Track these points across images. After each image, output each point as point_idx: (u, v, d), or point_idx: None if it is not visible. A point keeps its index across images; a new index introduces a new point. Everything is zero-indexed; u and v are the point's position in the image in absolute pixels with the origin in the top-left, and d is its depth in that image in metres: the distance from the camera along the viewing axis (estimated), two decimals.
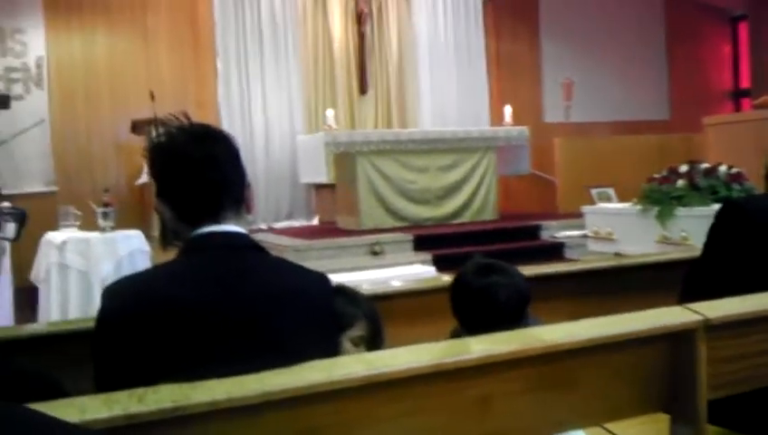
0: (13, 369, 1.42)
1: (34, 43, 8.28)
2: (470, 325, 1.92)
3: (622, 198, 8.16)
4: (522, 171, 9.45)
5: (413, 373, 1.42)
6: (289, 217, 9.45)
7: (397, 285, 3.02)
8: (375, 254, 7.19)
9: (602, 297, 2.85)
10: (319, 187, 9.29)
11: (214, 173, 1.50)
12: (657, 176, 6.43)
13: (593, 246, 7.07)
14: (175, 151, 1.51)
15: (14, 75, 8.15)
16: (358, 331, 1.92)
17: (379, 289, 2.85)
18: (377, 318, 2.02)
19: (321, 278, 1.57)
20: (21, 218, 0.68)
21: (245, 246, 1.53)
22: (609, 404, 1.73)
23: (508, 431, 1.62)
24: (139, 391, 1.31)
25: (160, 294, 1.43)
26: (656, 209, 6.07)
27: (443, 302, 2.68)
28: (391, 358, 1.47)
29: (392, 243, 7.39)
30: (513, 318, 1.87)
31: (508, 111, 9.27)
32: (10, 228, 0.67)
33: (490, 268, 1.97)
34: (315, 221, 9.56)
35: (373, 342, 1.98)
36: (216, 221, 1.50)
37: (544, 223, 8.26)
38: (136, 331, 1.40)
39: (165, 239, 1.56)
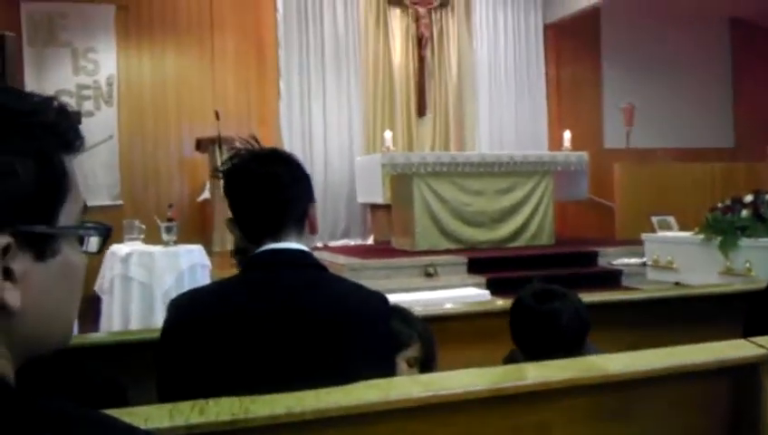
0: (84, 374, 1.49)
1: (106, 61, 8.60)
2: (529, 350, 1.92)
3: (683, 227, 7.96)
4: (579, 197, 9.33)
5: (470, 397, 1.42)
6: (345, 235, 9.53)
7: (450, 307, 3.03)
8: (429, 275, 7.18)
9: (663, 328, 2.80)
10: (375, 206, 9.36)
11: (276, 193, 1.55)
12: (720, 205, 6.27)
13: (652, 274, 6.92)
14: (240, 172, 1.58)
15: (86, 92, 8.48)
16: (412, 352, 1.93)
17: (433, 311, 2.86)
18: (431, 339, 2.03)
19: (380, 298, 1.59)
20: (105, 233, 0.72)
21: (306, 264, 1.56)
22: None
23: None
24: (201, 402, 1.35)
25: (221, 308, 1.47)
26: (718, 239, 5.91)
27: (496, 325, 2.67)
28: (448, 380, 1.48)
29: (446, 265, 7.37)
30: (573, 344, 1.85)
31: (567, 135, 9.18)
32: (93, 242, 0.71)
33: (551, 294, 1.96)
34: (370, 240, 9.62)
35: (427, 363, 1.99)
36: (277, 239, 1.55)
37: (601, 250, 8.12)
38: (198, 343, 1.45)
39: (236, 257, 1.61)
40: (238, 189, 1.58)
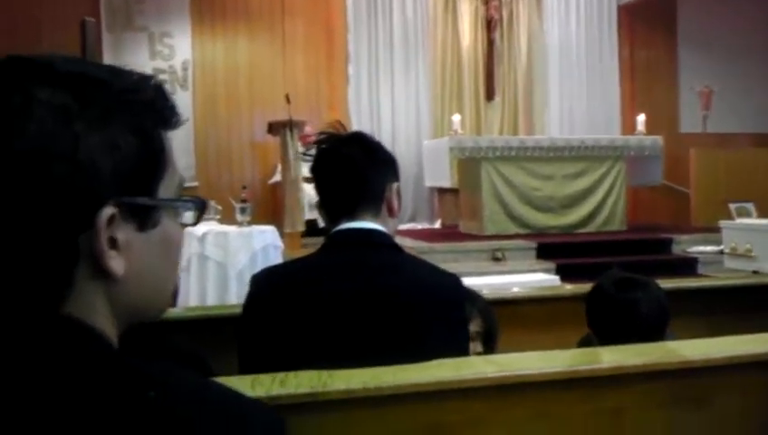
0: (169, 346, 1.56)
1: (181, 46, 8.83)
2: (606, 338, 1.90)
3: (763, 214, 7.67)
4: (653, 182, 9.09)
5: (545, 378, 1.42)
6: (412, 219, 9.56)
7: (520, 291, 3.02)
8: (497, 260, 7.14)
9: (740, 316, 2.73)
10: (442, 190, 9.34)
11: (350, 172, 1.58)
12: None
13: (729, 263, 6.69)
14: (322, 154, 1.61)
15: (162, 77, 8.70)
16: (474, 326, 1.96)
17: (502, 294, 2.86)
18: (492, 316, 2.07)
19: (456, 280, 1.60)
20: (201, 206, 0.76)
21: (381, 244, 1.59)
22: (746, 425, 1.66)
23: None
24: (281, 375, 1.40)
25: (300, 284, 1.52)
26: None
27: (566, 310, 2.66)
28: (522, 361, 1.48)
29: (515, 250, 7.31)
30: (652, 335, 1.83)
31: (641, 119, 8.94)
32: (188, 215, 0.75)
33: (632, 282, 1.94)
34: (437, 224, 9.62)
35: (489, 338, 2.03)
36: (353, 218, 1.58)
37: (676, 237, 7.91)
38: (278, 317, 1.50)
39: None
40: (319, 171, 1.63)
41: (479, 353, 2.00)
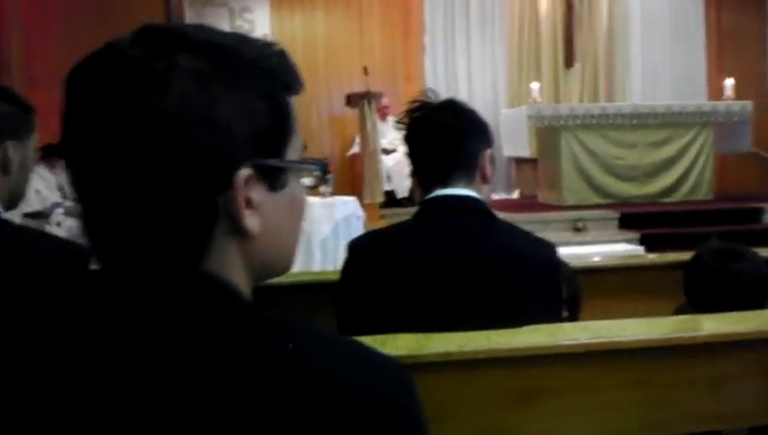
0: (271, 312, 1.63)
1: (260, 21, 8.96)
2: (706, 310, 1.87)
3: None
4: (741, 149, 8.72)
5: (641, 345, 1.42)
6: (490, 189, 9.49)
7: (604, 259, 2.99)
8: (578, 230, 7.04)
9: None
10: (520, 160, 9.23)
11: (442, 139, 1.60)
12: None
13: None
14: (413, 122, 1.64)
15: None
16: None
17: (585, 263, 2.84)
18: (577, 282, 2.06)
19: (550, 247, 1.61)
20: (324, 169, 0.80)
21: (474, 210, 1.60)
22: None
23: (736, 415, 1.56)
24: (380, 337, 1.44)
25: (396, 250, 1.56)
26: None
27: (651, 279, 2.61)
28: (618, 328, 1.48)
29: (596, 220, 7.19)
30: (753, 305, 1.79)
31: (729, 83, 8.57)
32: (310, 178, 0.79)
33: (732, 253, 1.90)
34: (515, 195, 9.52)
35: (572, 304, 2.03)
36: (446, 185, 1.60)
37: (766, 205, 7.60)
38: (374, 282, 1.54)
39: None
40: (412, 139, 1.64)
41: (564, 319, 2.01)
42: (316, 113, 9.09)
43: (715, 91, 9.49)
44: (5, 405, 0.63)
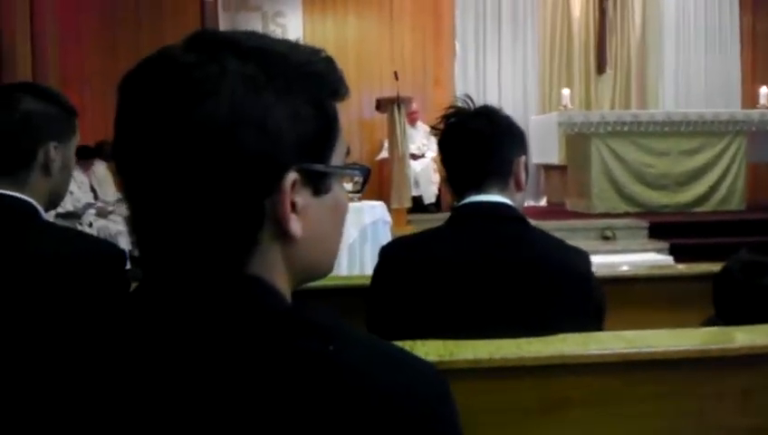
0: (312, 314, 1.64)
1: (293, 25, 9.03)
2: (734, 323, 1.85)
3: None
4: None
5: (675, 356, 1.41)
6: (523, 196, 9.44)
7: (632, 269, 2.96)
8: (606, 238, 6.98)
9: None
10: (548, 167, 9.18)
11: (477, 145, 1.60)
12: None
13: None
14: (449, 128, 1.64)
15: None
16: None
17: (614, 273, 2.81)
18: (601, 291, 2.05)
19: (583, 255, 1.60)
20: (367, 174, 0.81)
21: (507, 217, 1.61)
22: None
23: (767, 427, 1.55)
24: (410, 343, 1.45)
25: (428, 256, 1.56)
26: None
27: (680, 290, 2.58)
28: (652, 338, 1.47)
29: (625, 229, 7.12)
30: None
31: (764, 91, 8.45)
32: (354, 183, 0.80)
33: (761, 267, 1.89)
34: (543, 202, 9.47)
35: (597, 313, 2.01)
36: (480, 191, 1.60)
37: None
38: (406, 287, 1.55)
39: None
40: (446, 145, 1.65)
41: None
42: (346, 117, 8.77)
43: (750, 99, 9.37)
44: (61, 407, 0.65)
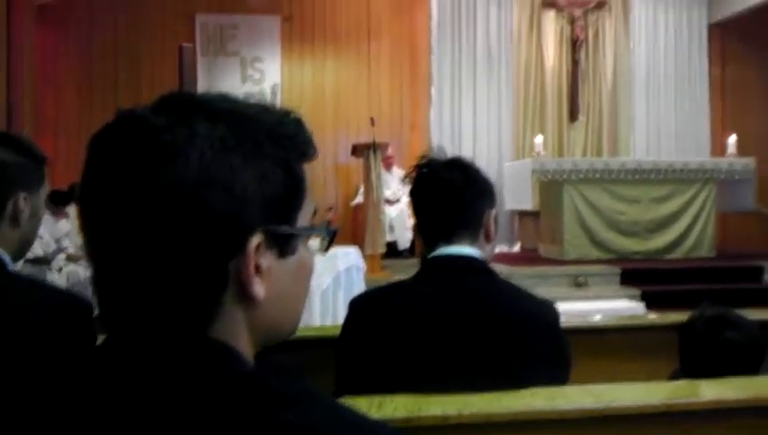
0: (272, 365, 1.62)
1: (271, 70, 9.13)
2: (699, 375, 1.87)
3: None
4: (744, 207, 8.74)
5: (643, 411, 1.42)
6: (492, 248, 9.49)
7: (604, 319, 2.98)
8: (579, 285, 7.02)
9: None
10: (522, 213, 9.26)
11: (449, 197, 1.61)
12: None
13: None
14: (421, 178, 1.66)
15: (251, 101, 9.00)
16: None
17: (585, 323, 2.83)
18: (567, 343, 2.06)
19: (550, 307, 1.61)
20: (333, 235, 0.81)
21: (477, 269, 1.61)
22: None
23: None
24: (379, 398, 1.44)
25: (397, 308, 1.56)
26: None
27: (653, 340, 2.60)
28: (619, 392, 1.48)
29: (598, 275, 7.17)
30: (746, 373, 1.79)
31: (732, 140, 8.64)
32: (315, 244, 0.80)
33: (724, 320, 1.90)
34: (517, 248, 9.52)
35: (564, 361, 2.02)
36: (450, 243, 1.61)
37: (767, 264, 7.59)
38: (375, 340, 1.54)
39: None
40: (418, 194, 1.66)
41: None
42: (322, 162, 9.19)
43: (719, 148, 9.56)
44: None
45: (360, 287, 5.32)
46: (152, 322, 0.66)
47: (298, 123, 0.74)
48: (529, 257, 8.42)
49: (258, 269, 0.68)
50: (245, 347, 0.70)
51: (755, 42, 10.27)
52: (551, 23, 9.92)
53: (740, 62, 10.33)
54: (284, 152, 0.70)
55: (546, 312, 1.60)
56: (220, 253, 0.66)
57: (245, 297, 0.68)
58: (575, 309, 5.32)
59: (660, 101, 10.08)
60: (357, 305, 1.62)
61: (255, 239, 0.67)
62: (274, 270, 0.70)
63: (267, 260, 0.69)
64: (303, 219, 0.74)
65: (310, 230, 0.76)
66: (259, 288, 0.68)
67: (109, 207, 0.66)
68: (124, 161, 0.65)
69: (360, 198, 8.33)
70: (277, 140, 0.70)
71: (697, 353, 1.90)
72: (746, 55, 10.32)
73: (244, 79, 9.05)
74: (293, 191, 0.72)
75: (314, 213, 0.79)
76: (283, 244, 0.71)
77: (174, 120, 0.66)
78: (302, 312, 0.80)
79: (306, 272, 0.77)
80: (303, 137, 0.74)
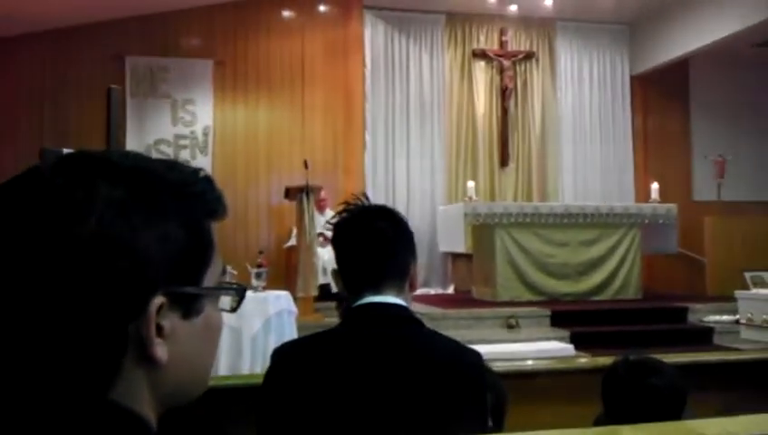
0: (188, 417, 1.57)
1: (203, 113, 9.04)
2: (622, 421, 1.89)
3: None
4: (668, 250, 9.07)
5: None
6: (425, 284, 9.56)
7: (535, 363, 3.01)
8: (511, 327, 7.10)
9: (760, 391, 2.71)
10: (456, 256, 9.36)
11: (378, 247, 1.60)
12: None
13: (746, 333, 6.64)
14: (348, 225, 1.64)
15: (183, 142, 8.92)
16: None
17: (516, 367, 2.85)
18: (502, 391, 2.07)
19: (476, 354, 1.61)
20: (242, 294, 0.79)
21: (405, 319, 1.60)
22: None
23: None
24: None
25: (322, 359, 1.54)
26: None
27: (582, 383, 2.65)
28: None
29: (529, 317, 7.27)
30: (669, 418, 1.82)
31: (655, 187, 8.99)
32: (226, 301, 0.78)
33: (646, 367, 1.94)
34: (450, 290, 9.61)
35: (497, 413, 2.03)
36: (377, 292, 1.59)
37: (691, 305, 7.83)
38: (298, 391, 1.51)
39: (340, 308, 1.67)
40: (344, 241, 1.63)
41: (489, 429, 2.01)
42: (254, 205, 9.10)
43: (643, 193, 9.92)
44: None
45: (291, 331, 5.24)
46: (48, 386, 0.63)
47: (207, 181, 0.72)
48: (462, 299, 8.50)
49: (161, 331, 0.66)
50: (148, 410, 0.68)
51: (674, 93, 10.79)
52: (481, 72, 10.21)
53: (660, 112, 10.81)
54: (190, 211, 0.69)
55: (471, 361, 1.60)
56: (119, 315, 0.63)
57: (147, 360, 0.66)
58: (507, 351, 5.36)
59: (587, 149, 10.44)
60: (280, 354, 1.58)
61: (157, 301, 0.65)
62: (179, 331, 0.68)
63: (170, 321, 0.67)
64: (211, 279, 0.72)
65: (216, 290, 0.73)
66: (161, 351, 0.66)
67: (3, 268, 0.63)
68: (20, 222, 0.63)
69: (292, 241, 8.28)
70: (183, 199, 0.69)
71: (620, 399, 1.93)
72: (666, 106, 10.81)
73: (175, 121, 8.94)
74: (199, 251, 0.70)
75: (223, 272, 0.77)
76: (188, 304, 0.69)
77: (73, 182, 0.64)
78: (210, 372, 0.77)
79: (214, 332, 0.74)
80: (212, 195, 0.72)
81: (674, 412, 1.86)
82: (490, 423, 1.99)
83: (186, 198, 0.69)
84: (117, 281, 0.63)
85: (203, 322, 0.71)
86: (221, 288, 0.74)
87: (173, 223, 0.67)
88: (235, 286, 0.77)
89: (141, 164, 0.69)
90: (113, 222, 0.63)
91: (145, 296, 0.64)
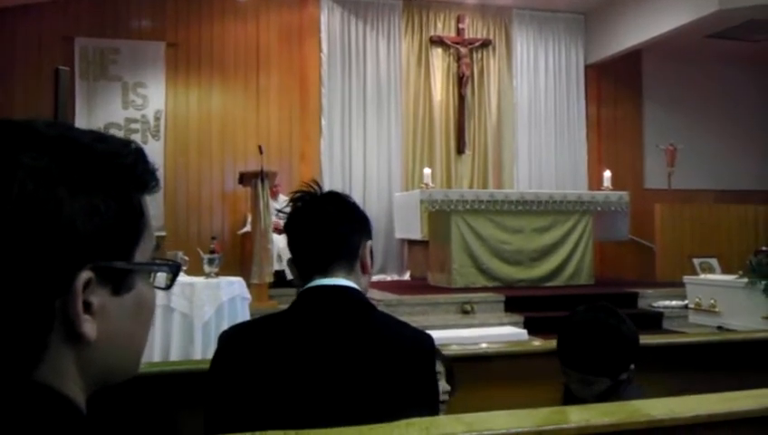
0: (133, 405, 1.52)
1: (154, 96, 8.85)
2: (574, 364, 1.97)
3: (726, 270, 7.84)
4: (620, 237, 9.23)
5: None
6: (381, 270, 9.56)
7: (490, 346, 3.03)
8: (466, 313, 7.15)
9: (706, 373, 2.76)
10: (412, 242, 9.38)
11: (324, 229, 1.59)
12: (764, 248, 6.15)
13: (694, 317, 6.79)
14: (296, 211, 1.63)
15: (134, 126, 8.73)
16: (437, 367, 2.02)
17: (471, 350, 2.87)
18: (448, 359, 2.19)
19: (426, 337, 1.60)
20: (176, 270, 0.76)
21: (352, 300, 1.59)
22: None
23: None
24: (248, 434, 1.38)
25: (269, 342, 1.51)
26: (763, 283, 5.79)
27: (536, 366, 2.67)
28: (491, 420, 1.47)
29: (483, 302, 7.34)
30: (619, 359, 1.96)
31: (607, 175, 9.13)
32: (161, 278, 0.75)
33: (607, 309, 2.06)
34: (407, 276, 9.63)
35: (449, 375, 2.16)
36: (326, 275, 1.59)
37: (642, 291, 8.01)
38: (245, 375, 1.49)
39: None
40: (293, 228, 1.63)
41: (448, 391, 2.14)
42: (207, 190, 8.98)
43: (596, 181, 10.07)
44: None
45: (244, 318, 5.18)
46: None
47: (138, 154, 0.70)
48: (418, 286, 8.53)
49: (89, 308, 0.63)
50: (77, 390, 0.65)
51: (627, 83, 10.97)
52: (438, 59, 10.21)
53: (613, 101, 10.98)
54: (120, 184, 0.66)
55: (422, 344, 1.60)
56: (43, 289, 0.60)
57: (75, 337, 0.63)
58: (463, 336, 5.40)
59: (541, 137, 10.55)
60: (227, 337, 1.56)
61: (84, 275, 0.62)
62: (108, 308, 0.65)
63: (100, 298, 0.64)
64: (143, 254, 0.70)
65: (147, 265, 0.71)
66: (89, 327, 0.63)
67: None
68: None
69: (247, 227, 8.19)
70: (112, 170, 0.66)
71: (573, 338, 1.99)
72: (619, 96, 10.99)
73: (126, 104, 8.73)
74: (129, 225, 0.67)
75: (157, 247, 0.74)
76: (119, 280, 0.66)
77: None
78: (143, 351, 0.74)
79: (146, 309, 0.72)
80: (143, 168, 0.70)
81: (622, 362, 1.97)
82: (449, 387, 2.05)
83: (115, 171, 0.66)
84: (40, 253, 0.60)
85: (134, 298, 0.69)
86: (152, 264, 0.71)
87: (101, 195, 0.64)
88: (167, 263, 0.74)
89: (68, 134, 0.66)
90: (36, 192, 0.60)
91: (71, 270, 0.62)
